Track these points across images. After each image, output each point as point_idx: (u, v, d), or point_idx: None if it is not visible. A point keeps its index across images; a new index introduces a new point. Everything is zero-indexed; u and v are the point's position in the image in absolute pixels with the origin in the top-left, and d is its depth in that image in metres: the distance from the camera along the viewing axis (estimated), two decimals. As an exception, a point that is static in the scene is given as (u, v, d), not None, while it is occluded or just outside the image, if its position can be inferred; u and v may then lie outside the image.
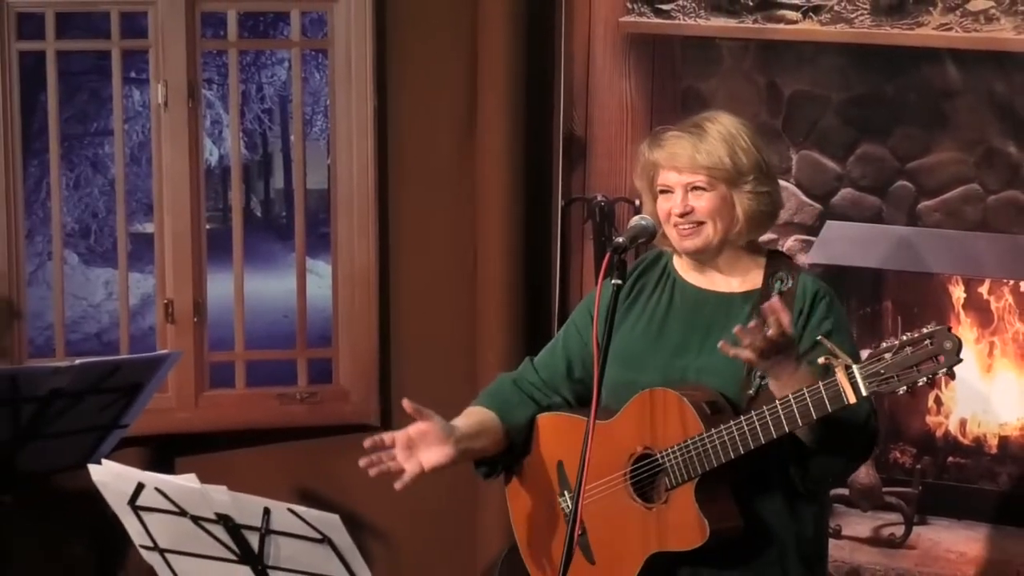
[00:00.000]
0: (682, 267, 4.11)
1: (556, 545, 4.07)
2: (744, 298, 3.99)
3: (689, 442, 3.85)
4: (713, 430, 3.81)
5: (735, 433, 3.79)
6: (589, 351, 4.08)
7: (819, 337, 3.73)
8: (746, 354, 3.67)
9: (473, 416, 4.11)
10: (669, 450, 3.88)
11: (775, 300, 3.73)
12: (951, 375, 3.61)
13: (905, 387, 3.62)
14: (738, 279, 4.03)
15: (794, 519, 4.00)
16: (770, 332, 3.63)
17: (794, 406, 3.71)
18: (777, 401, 3.74)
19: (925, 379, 3.61)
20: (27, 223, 5.40)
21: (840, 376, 3.65)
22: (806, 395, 3.70)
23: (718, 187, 3.98)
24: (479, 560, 5.41)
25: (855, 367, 3.64)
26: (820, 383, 3.68)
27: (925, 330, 3.60)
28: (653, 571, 3.98)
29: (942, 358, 3.60)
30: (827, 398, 3.67)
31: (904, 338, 3.62)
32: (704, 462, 3.83)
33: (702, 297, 4.03)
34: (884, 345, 3.63)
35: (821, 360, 3.69)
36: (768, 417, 3.74)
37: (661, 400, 3.92)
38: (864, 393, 3.64)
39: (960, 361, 3.59)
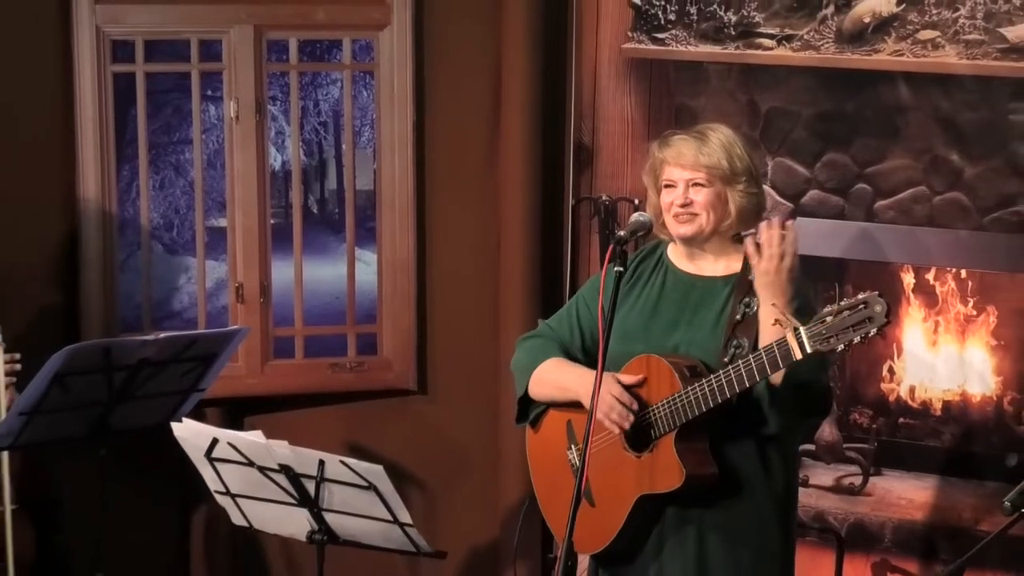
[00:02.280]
0: (675, 256, 4.13)
1: (564, 491, 4.08)
2: (725, 281, 4.02)
3: (671, 398, 3.88)
4: (689, 388, 3.84)
5: (706, 389, 3.83)
6: (597, 326, 4.11)
7: (771, 304, 3.77)
8: (758, 261, 3.78)
9: (565, 364, 4.13)
10: (655, 406, 3.91)
11: (773, 221, 3.80)
12: (881, 334, 3.62)
13: (843, 345, 3.65)
14: (722, 264, 4.05)
15: (765, 470, 4.02)
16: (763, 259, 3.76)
17: (753, 364, 3.76)
18: (739, 361, 3.78)
19: (859, 338, 3.63)
20: (120, 218, 5.42)
21: (790, 337, 3.69)
22: (763, 355, 3.74)
23: (715, 184, 4.01)
24: (501, 502, 5.42)
25: (802, 329, 3.67)
26: (774, 343, 3.72)
27: (860, 296, 3.63)
28: (644, 512, 4.00)
29: (874, 320, 3.63)
30: (779, 356, 3.72)
31: (842, 303, 3.65)
32: (683, 414, 3.86)
33: (690, 282, 4.06)
34: (826, 310, 3.66)
35: (772, 323, 3.74)
36: (733, 374, 3.79)
37: (650, 364, 3.96)
38: (809, 351, 3.67)
39: (888, 323, 3.61)
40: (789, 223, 3.85)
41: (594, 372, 3.80)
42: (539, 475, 4.25)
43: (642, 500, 3.97)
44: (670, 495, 3.94)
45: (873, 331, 3.62)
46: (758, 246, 3.81)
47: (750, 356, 3.77)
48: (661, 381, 3.93)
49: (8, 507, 4.58)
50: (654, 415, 3.92)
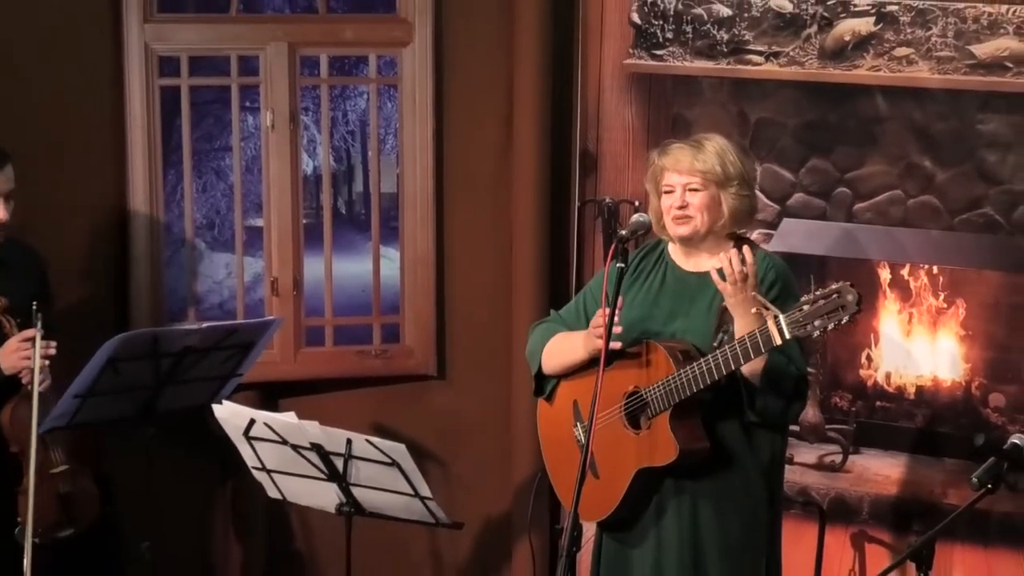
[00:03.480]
0: (675, 254, 4.16)
1: (571, 464, 4.09)
2: (718, 273, 4.03)
3: (665, 379, 3.90)
4: (682, 370, 3.86)
5: (697, 371, 3.86)
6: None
7: (753, 294, 3.78)
8: (724, 285, 3.81)
9: (572, 333, 4.15)
10: (651, 387, 3.93)
11: (730, 251, 3.83)
12: (853, 321, 3.64)
13: (818, 331, 3.67)
14: (716, 261, 4.06)
15: (752, 448, 4.05)
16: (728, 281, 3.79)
17: (738, 348, 3.78)
18: (727, 346, 3.80)
19: (833, 324, 3.65)
20: (166, 218, 5.43)
21: (770, 324, 3.71)
22: (746, 340, 3.77)
23: (709, 188, 4.03)
24: (513, 477, 5.43)
25: (781, 317, 3.70)
26: (756, 330, 3.74)
27: (833, 286, 3.65)
28: (642, 484, 4.02)
29: (846, 308, 3.64)
30: (761, 341, 3.75)
31: (817, 293, 3.67)
32: (676, 394, 3.89)
33: (688, 277, 4.10)
34: (803, 299, 3.68)
35: (753, 311, 3.75)
36: (720, 358, 3.81)
37: (648, 349, 3.97)
38: (788, 336, 3.70)
39: (859, 311, 3.63)
40: (746, 249, 3.88)
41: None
42: (548, 450, 4.28)
43: (640, 473, 3.99)
44: (666, 468, 3.96)
45: (845, 319, 3.64)
46: (721, 273, 3.85)
47: (735, 342, 3.80)
48: (658, 364, 3.95)
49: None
50: (651, 395, 3.94)
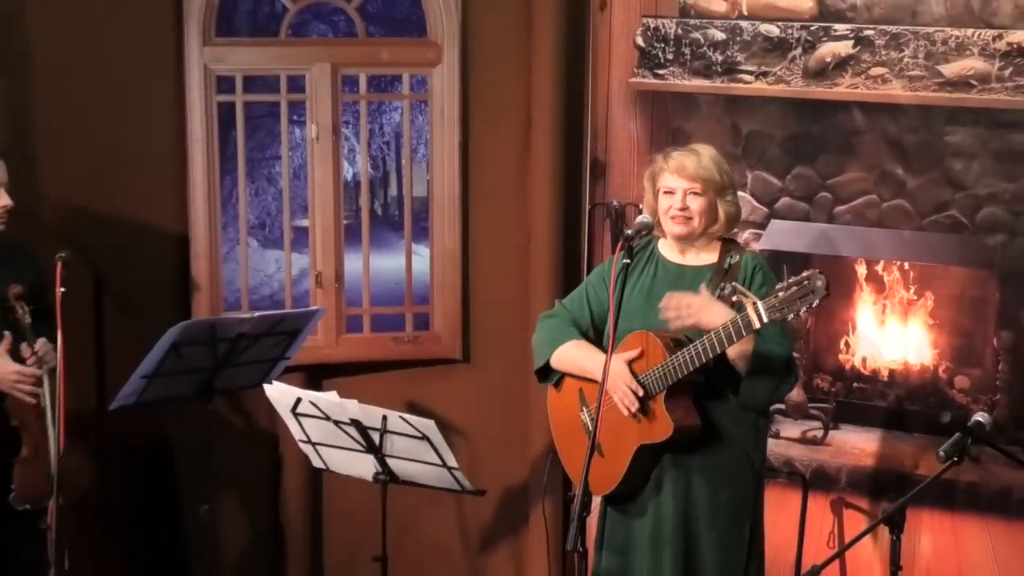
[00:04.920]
0: (665, 249, 4.16)
1: (577, 444, 4.11)
2: (702, 272, 4.07)
3: (661, 365, 3.90)
4: (673, 356, 3.87)
5: (688, 356, 3.86)
6: (602, 307, 4.14)
7: (734, 283, 3.80)
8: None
9: (583, 346, 4.15)
10: (649, 371, 3.94)
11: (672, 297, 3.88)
12: (822, 305, 3.64)
13: (792, 314, 3.68)
14: (704, 256, 4.08)
15: (739, 425, 4.05)
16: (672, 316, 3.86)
17: (722, 333, 3.79)
18: (712, 332, 3.80)
19: (805, 307, 3.66)
20: (222, 219, 5.44)
21: (750, 310, 3.72)
22: (729, 325, 3.78)
23: (708, 194, 4.04)
24: (529, 450, 5.43)
25: (759, 303, 3.70)
26: (737, 316, 3.74)
27: (804, 273, 3.66)
28: (642, 459, 4.03)
29: (815, 293, 3.64)
30: (742, 325, 3.76)
31: (790, 280, 3.68)
32: (670, 377, 3.89)
33: (680, 271, 4.10)
34: (778, 286, 3.68)
35: (734, 298, 3.77)
36: (707, 343, 3.82)
37: (645, 339, 3.98)
38: (766, 320, 3.71)
39: (827, 294, 3.63)
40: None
41: (605, 356, 3.86)
42: (558, 432, 4.28)
43: (640, 449, 4.00)
44: (663, 444, 3.97)
45: (816, 302, 3.65)
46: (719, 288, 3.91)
47: (720, 328, 3.81)
48: (655, 352, 3.96)
49: (53, 446, 4.41)
50: (648, 379, 3.94)
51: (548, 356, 4.19)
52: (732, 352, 3.85)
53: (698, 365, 3.86)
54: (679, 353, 3.89)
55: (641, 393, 3.93)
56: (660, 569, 4.07)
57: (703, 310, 3.86)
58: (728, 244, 4.11)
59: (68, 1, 5.08)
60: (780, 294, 3.67)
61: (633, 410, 3.94)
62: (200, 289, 5.40)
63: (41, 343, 4.37)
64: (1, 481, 4.38)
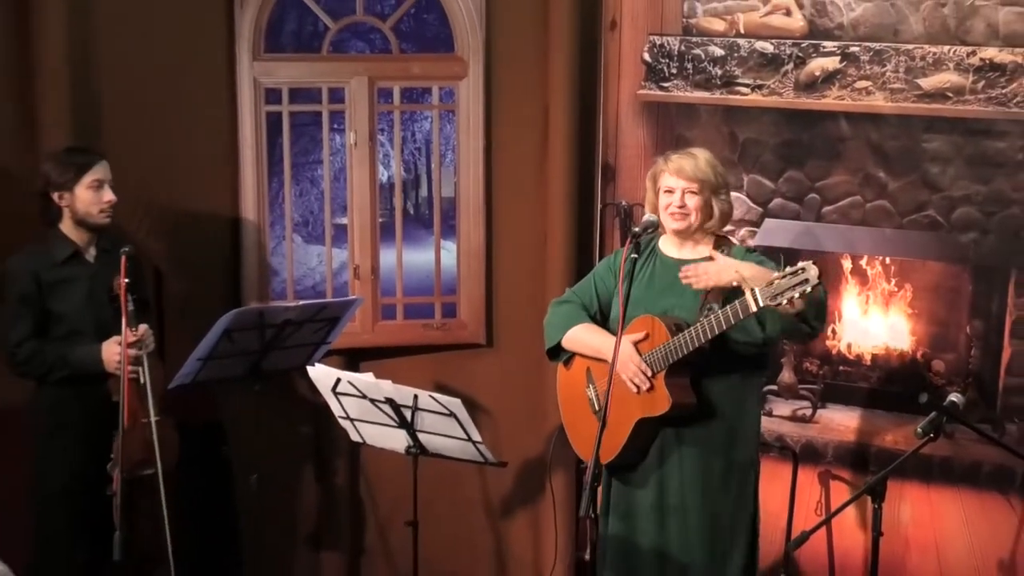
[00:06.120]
0: (664, 244, 4.17)
1: (583, 418, 4.13)
2: (703, 260, 4.05)
3: (663, 345, 3.91)
4: (675, 337, 3.88)
5: (689, 336, 3.87)
6: (608, 294, 4.14)
7: (735, 271, 3.77)
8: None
9: (593, 329, 4.15)
10: (652, 351, 3.95)
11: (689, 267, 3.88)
12: (815, 292, 3.63)
13: (786, 300, 3.67)
14: (699, 251, 4.10)
15: (733, 403, 4.06)
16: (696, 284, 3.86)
17: (720, 316, 3.81)
18: (711, 315, 3.81)
19: (798, 294, 3.65)
20: (270, 217, 5.46)
21: (747, 295, 3.72)
22: (728, 309, 3.78)
23: (704, 193, 4.05)
24: (546, 426, 5.39)
25: (756, 288, 3.70)
26: (736, 301, 3.75)
27: (799, 264, 3.65)
28: (641, 432, 4.04)
29: (809, 281, 3.65)
30: (740, 309, 3.77)
31: (786, 270, 3.67)
32: (671, 356, 3.90)
33: (677, 264, 4.12)
34: (775, 275, 3.68)
35: (734, 283, 3.76)
36: (707, 325, 3.83)
37: (650, 323, 3.99)
38: (761, 304, 3.70)
39: (820, 283, 3.63)
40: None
41: (615, 337, 3.86)
42: (565, 407, 4.29)
43: (640, 423, 4.01)
44: (660, 418, 3.98)
45: (808, 289, 3.65)
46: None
47: (719, 311, 3.82)
48: (659, 334, 3.97)
49: (152, 418, 4.41)
50: (651, 359, 3.96)
51: (560, 337, 4.21)
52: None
53: (698, 345, 3.88)
54: (681, 335, 3.90)
55: (651, 373, 3.94)
56: (665, 533, 4.08)
57: (721, 272, 3.87)
58: (720, 240, 4.13)
59: (134, 22, 5.09)
60: (776, 282, 3.68)
61: (644, 388, 3.96)
62: (250, 280, 5.42)
63: (143, 329, 4.39)
64: (106, 450, 4.36)
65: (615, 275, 4.13)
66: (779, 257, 3.85)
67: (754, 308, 3.73)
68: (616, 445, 4.05)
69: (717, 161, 4.13)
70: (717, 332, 3.84)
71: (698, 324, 3.87)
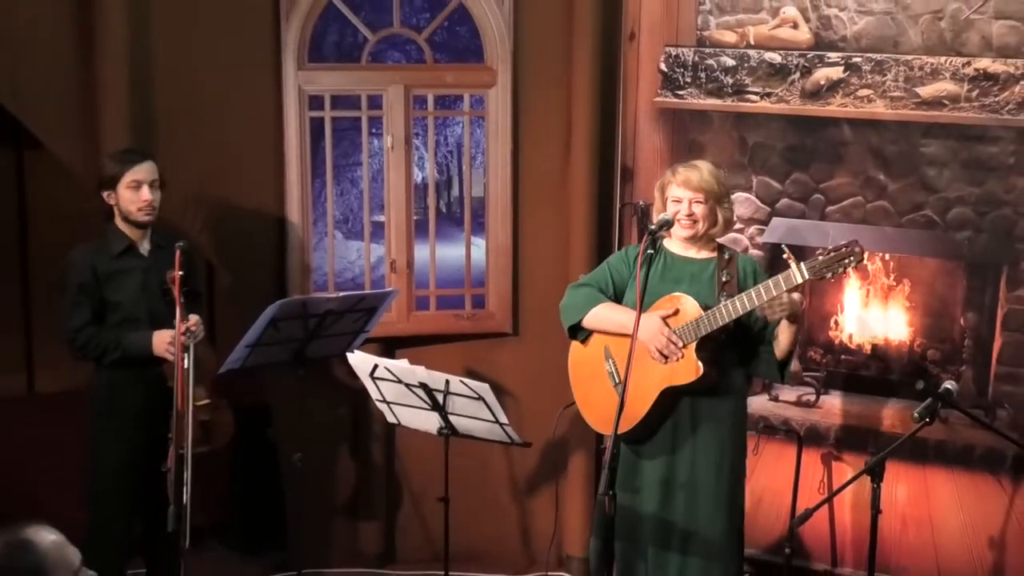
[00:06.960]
0: (671, 244, 4.18)
1: (600, 393, 4.12)
2: (708, 262, 4.09)
3: (694, 320, 3.91)
4: (710, 311, 3.89)
5: (723, 310, 3.87)
6: (623, 281, 4.16)
7: (785, 255, 3.78)
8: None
9: (615, 307, 4.16)
10: (683, 326, 3.94)
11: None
12: (857, 269, 3.69)
13: (830, 274, 3.69)
14: (704, 252, 4.12)
15: (741, 386, 4.12)
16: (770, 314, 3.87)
17: (760, 287, 3.81)
18: (751, 289, 3.84)
19: (842, 269, 3.68)
20: (313, 215, 5.47)
21: (793, 267, 3.72)
22: (769, 281, 3.78)
23: (709, 202, 4.06)
24: (567, 410, 5.41)
25: (802, 263, 3.71)
26: (779, 274, 3.77)
27: (843, 243, 3.68)
28: (664, 403, 4.03)
29: (854, 258, 3.66)
30: (782, 279, 3.77)
31: (830, 248, 3.69)
32: (703, 327, 3.91)
33: (685, 262, 4.15)
34: (818, 251, 3.70)
35: (785, 256, 3.75)
36: (745, 298, 3.85)
37: (678, 300, 4.01)
38: (807, 276, 3.72)
39: (862, 260, 3.68)
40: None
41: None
42: (578, 381, 4.28)
43: (664, 393, 4.01)
44: (686, 388, 3.98)
45: (852, 266, 3.67)
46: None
47: (759, 284, 3.84)
48: (687, 309, 3.98)
49: (203, 401, 4.45)
50: (682, 332, 3.97)
51: (581, 316, 4.21)
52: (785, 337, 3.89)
53: (736, 315, 3.89)
54: (718, 307, 3.91)
55: (681, 344, 3.95)
56: (670, 506, 4.10)
57: (793, 303, 3.89)
58: (722, 246, 4.17)
59: (189, 35, 5.12)
60: (820, 258, 3.72)
61: (676, 358, 3.95)
62: (294, 273, 5.43)
63: (194, 319, 4.39)
64: (165, 430, 4.37)
65: (628, 266, 4.15)
66: (783, 250, 3.86)
67: (799, 279, 3.75)
68: (636, 416, 4.06)
69: (719, 172, 4.15)
70: (757, 303, 3.85)
71: (737, 298, 3.89)
